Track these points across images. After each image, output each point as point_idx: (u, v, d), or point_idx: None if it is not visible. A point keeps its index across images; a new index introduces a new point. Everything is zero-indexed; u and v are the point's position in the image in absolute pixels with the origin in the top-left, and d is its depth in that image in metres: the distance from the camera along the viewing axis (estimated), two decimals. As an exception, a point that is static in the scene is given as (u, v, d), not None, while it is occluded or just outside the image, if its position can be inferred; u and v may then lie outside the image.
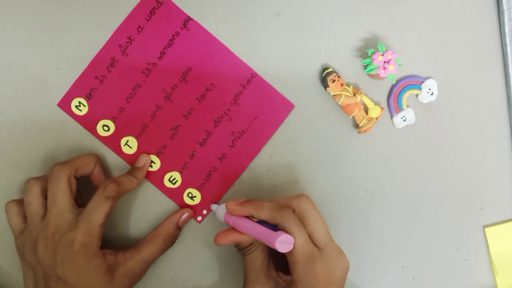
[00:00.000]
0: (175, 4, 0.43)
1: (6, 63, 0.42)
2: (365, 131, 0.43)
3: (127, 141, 0.43)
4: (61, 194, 0.37)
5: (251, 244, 0.37)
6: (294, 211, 0.37)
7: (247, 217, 0.37)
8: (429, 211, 0.46)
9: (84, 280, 0.37)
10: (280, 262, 0.39)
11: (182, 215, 0.42)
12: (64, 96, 0.42)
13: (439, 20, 0.45)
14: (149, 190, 0.43)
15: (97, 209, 0.37)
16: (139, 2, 0.42)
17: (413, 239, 0.45)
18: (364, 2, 0.44)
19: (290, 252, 0.35)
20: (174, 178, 0.43)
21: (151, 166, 0.43)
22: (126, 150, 0.43)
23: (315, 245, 0.36)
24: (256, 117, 0.43)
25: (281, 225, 0.35)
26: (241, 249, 0.38)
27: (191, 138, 0.43)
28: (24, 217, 0.39)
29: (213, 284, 0.44)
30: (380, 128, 0.45)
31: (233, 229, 0.38)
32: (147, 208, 0.43)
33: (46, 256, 0.36)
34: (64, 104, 0.42)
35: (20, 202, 0.40)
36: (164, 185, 0.43)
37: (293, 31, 0.44)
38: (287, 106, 0.44)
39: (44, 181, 0.39)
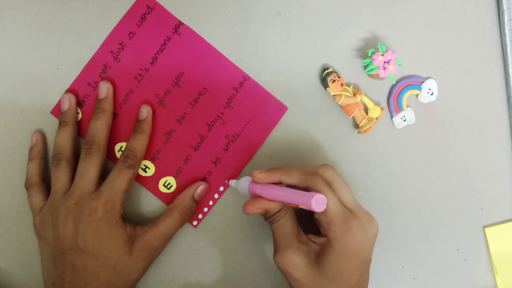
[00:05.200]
0: (166, 9, 0.43)
1: (6, 63, 0.42)
2: (365, 131, 0.43)
3: (121, 147, 0.43)
4: (93, 168, 0.39)
5: (279, 210, 0.37)
6: None
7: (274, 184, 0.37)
8: (429, 211, 0.46)
9: (105, 250, 0.38)
10: (306, 228, 0.39)
11: (197, 187, 0.42)
12: (57, 104, 0.42)
13: (439, 20, 0.45)
14: (144, 196, 0.43)
15: (120, 177, 0.39)
16: (130, 8, 0.42)
17: (413, 239, 0.45)
18: (364, 2, 0.44)
19: (324, 213, 0.35)
20: (169, 183, 0.43)
21: (145, 172, 0.43)
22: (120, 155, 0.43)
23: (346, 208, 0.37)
24: (250, 120, 0.43)
25: (311, 188, 0.36)
26: (269, 217, 0.38)
27: (185, 142, 0.43)
28: (45, 196, 0.41)
29: (213, 284, 0.44)
30: (380, 128, 0.45)
31: (260, 197, 0.38)
32: (143, 213, 0.43)
33: (66, 228, 0.37)
34: (57, 111, 0.42)
35: (41, 182, 0.41)
36: (159, 190, 0.43)
37: (293, 31, 0.44)
38: (280, 108, 0.44)
39: (71, 162, 0.40)
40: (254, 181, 0.38)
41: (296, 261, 0.36)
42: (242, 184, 0.40)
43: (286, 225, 0.37)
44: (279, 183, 0.38)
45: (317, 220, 0.37)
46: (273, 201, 0.37)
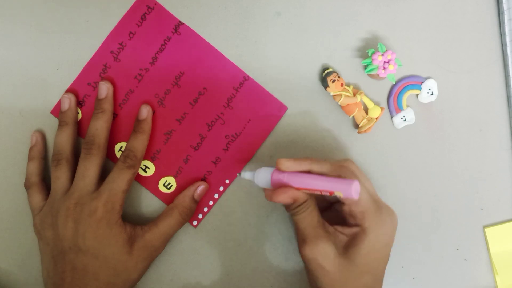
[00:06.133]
0: (166, 9, 0.43)
1: (6, 63, 0.42)
2: (365, 131, 0.43)
3: (121, 147, 0.43)
4: (93, 168, 0.39)
5: (305, 201, 0.36)
6: None
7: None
8: (429, 211, 0.46)
9: (105, 250, 0.38)
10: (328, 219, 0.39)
11: (197, 187, 0.42)
12: (57, 104, 0.42)
13: (439, 20, 0.45)
14: (144, 196, 0.43)
15: (120, 177, 0.39)
16: (130, 8, 0.43)
17: (413, 239, 0.45)
18: (364, 3, 0.44)
19: (358, 202, 0.35)
20: (169, 183, 0.43)
21: (145, 172, 0.43)
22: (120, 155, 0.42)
23: None
24: (250, 120, 0.43)
25: (344, 177, 0.36)
26: (294, 208, 0.37)
27: (185, 142, 0.43)
28: (45, 196, 0.41)
29: (213, 284, 0.44)
30: (380, 128, 0.45)
31: (287, 186, 0.36)
32: (143, 213, 0.43)
33: (66, 228, 0.37)
34: (57, 111, 0.42)
35: (41, 182, 0.41)
36: (159, 190, 0.43)
37: (293, 31, 0.44)
38: (280, 109, 0.44)
39: (71, 162, 0.40)
40: (278, 170, 0.37)
41: (328, 251, 0.35)
42: (262, 174, 0.38)
43: (312, 215, 0.37)
44: (308, 172, 0.37)
45: (347, 211, 0.36)
46: (301, 190, 0.36)
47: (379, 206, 0.36)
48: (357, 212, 0.36)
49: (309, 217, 0.36)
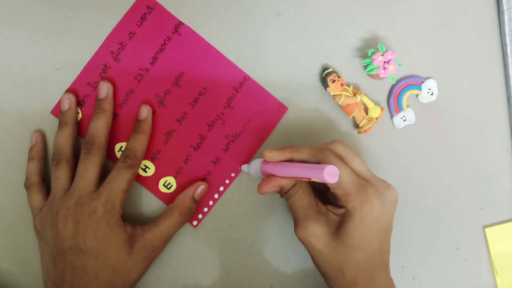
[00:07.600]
0: (166, 9, 0.43)
1: (6, 63, 0.42)
2: (365, 131, 0.43)
3: (121, 147, 0.43)
4: (93, 168, 0.39)
5: (294, 186, 0.38)
6: None
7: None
8: (429, 211, 0.46)
9: (105, 250, 0.38)
10: (324, 201, 0.39)
11: (197, 187, 0.42)
12: (57, 104, 0.42)
13: (439, 20, 0.45)
14: (144, 196, 0.43)
15: (120, 177, 0.39)
16: (130, 8, 0.42)
17: (413, 239, 0.45)
18: (364, 2, 0.44)
19: (339, 185, 0.36)
20: (169, 183, 0.43)
21: (145, 172, 0.43)
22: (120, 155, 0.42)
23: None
24: (250, 120, 0.43)
25: (323, 162, 0.36)
26: (285, 193, 0.38)
27: (185, 142, 0.43)
28: (44, 196, 0.41)
29: (213, 284, 0.44)
30: (380, 128, 0.45)
31: (273, 176, 0.38)
32: (143, 213, 0.43)
33: (66, 228, 0.37)
34: (57, 111, 0.42)
35: (41, 182, 0.41)
36: (159, 190, 0.43)
37: (293, 31, 0.44)
38: (280, 108, 0.44)
39: (71, 162, 0.40)
40: (265, 161, 0.39)
41: (317, 231, 0.37)
42: (254, 166, 0.40)
43: (303, 197, 0.38)
44: (290, 161, 0.38)
45: (334, 194, 0.37)
46: (286, 178, 0.37)
47: (363, 186, 0.36)
48: (341, 194, 0.36)
49: (300, 200, 0.38)
